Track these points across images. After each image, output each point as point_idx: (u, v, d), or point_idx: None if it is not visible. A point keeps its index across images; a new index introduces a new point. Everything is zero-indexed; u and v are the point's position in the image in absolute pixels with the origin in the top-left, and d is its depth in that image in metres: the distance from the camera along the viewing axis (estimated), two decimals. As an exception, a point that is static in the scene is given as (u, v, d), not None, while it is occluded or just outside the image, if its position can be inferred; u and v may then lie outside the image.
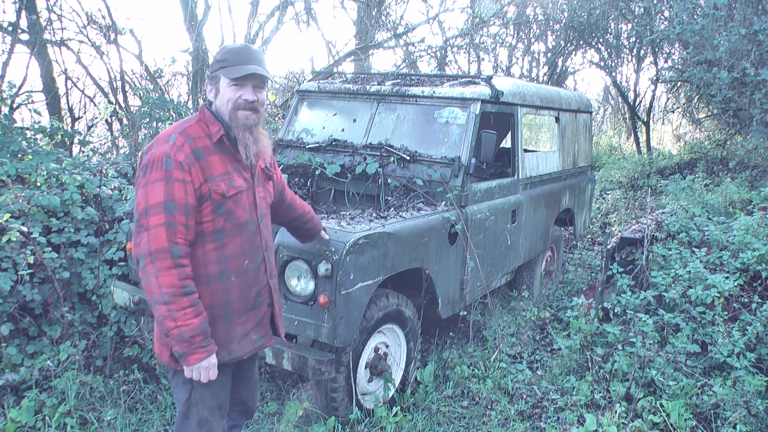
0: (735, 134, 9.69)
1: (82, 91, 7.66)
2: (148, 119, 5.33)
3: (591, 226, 7.91)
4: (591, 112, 6.20)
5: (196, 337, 1.91)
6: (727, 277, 4.02)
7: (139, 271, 1.90)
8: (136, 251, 1.90)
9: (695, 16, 7.46)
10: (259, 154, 2.13)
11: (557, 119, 5.28)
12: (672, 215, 5.43)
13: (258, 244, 2.16)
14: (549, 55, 12.43)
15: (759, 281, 4.14)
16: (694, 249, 4.60)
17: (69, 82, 7.26)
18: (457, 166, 3.78)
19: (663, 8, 9.59)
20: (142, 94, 5.98)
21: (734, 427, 3.09)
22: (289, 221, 2.63)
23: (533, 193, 4.78)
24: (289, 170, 4.20)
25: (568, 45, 11.85)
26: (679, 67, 9.72)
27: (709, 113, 11.13)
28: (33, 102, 6.95)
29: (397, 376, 3.55)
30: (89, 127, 7.67)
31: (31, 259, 3.32)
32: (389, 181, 3.88)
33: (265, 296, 2.21)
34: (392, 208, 3.72)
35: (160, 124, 5.28)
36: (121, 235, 3.79)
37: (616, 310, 4.18)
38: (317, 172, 4.10)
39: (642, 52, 11.54)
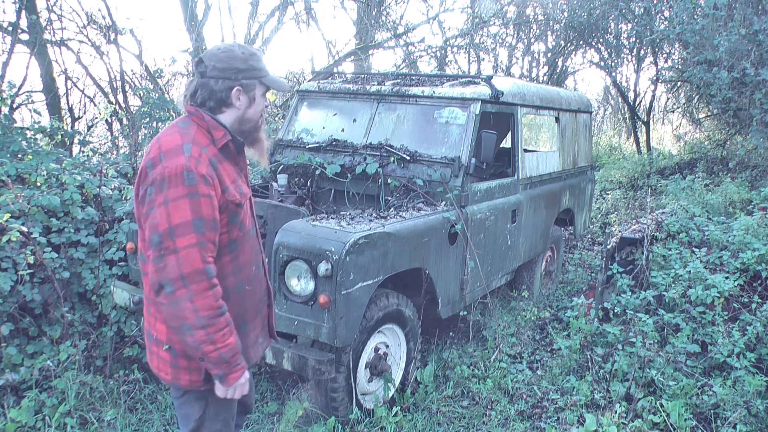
0: (735, 134, 9.69)
1: (82, 91, 7.67)
2: (148, 119, 5.33)
3: (591, 226, 7.91)
4: (591, 112, 6.20)
5: (235, 356, 1.84)
6: (727, 277, 4.02)
7: (163, 296, 1.74)
8: (159, 276, 1.73)
9: (695, 16, 7.46)
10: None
11: (557, 119, 5.28)
12: (672, 215, 5.43)
13: (258, 248, 2.11)
14: (549, 55, 12.43)
15: (759, 281, 4.14)
16: (694, 249, 4.60)
17: (69, 82, 7.26)
18: (457, 166, 3.78)
19: (663, 8, 9.59)
20: (142, 94, 5.98)
21: (734, 427, 3.09)
22: None
23: (533, 193, 4.78)
24: (289, 170, 4.20)
25: (568, 45, 11.85)
26: (679, 67, 9.72)
27: (709, 113, 11.13)
28: (33, 102, 6.96)
29: (397, 376, 3.55)
30: (89, 127, 7.67)
31: (31, 259, 3.32)
32: (389, 181, 3.88)
33: (265, 298, 2.18)
34: (392, 208, 3.72)
35: (160, 124, 5.28)
36: (121, 235, 3.79)
37: (616, 310, 4.18)
38: (317, 172, 4.10)
39: (642, 52, 11.54)
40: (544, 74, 12.54)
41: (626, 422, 3.11)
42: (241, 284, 1.98)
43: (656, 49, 10.86)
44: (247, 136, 2.02)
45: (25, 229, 3.32)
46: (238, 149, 1.99)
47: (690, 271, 4.12)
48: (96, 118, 7.74)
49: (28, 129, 4.50)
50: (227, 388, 1.89)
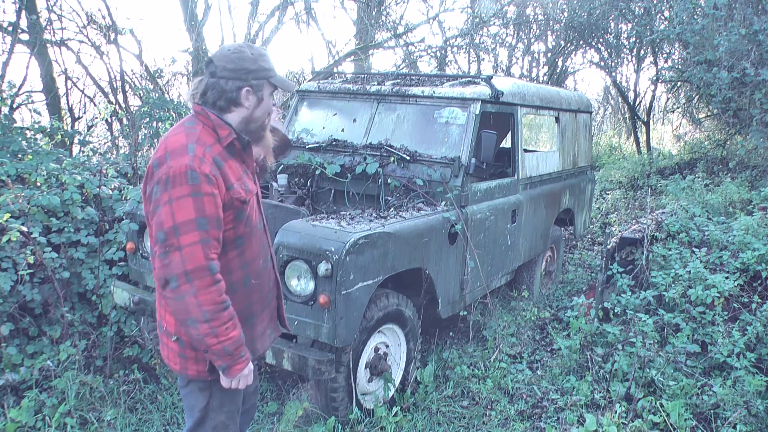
0: (735, 134, 9.68)
1: (82, 91, 7.66)
2: (148, 119, 5.33)
3: (591, 226, 7.91)
4: (591, 112, 6.20)
5: (239, 348, 1.89)
6: (727, 277, 4.01)
7: (169, 291, 1.80)
8: (164, 272, 1.79)
9: (695, 16, 7.46)
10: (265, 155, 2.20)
11: (557, 119, 5.28)
12: (672, 215, 5.43)
13: (265, 242, 2.16)
14: (549, 55, 12.43)
15: (759, 281, 4.14)
16: (694, 249, 4.60)
17: (69, 82, 7.26)
18: (457, 166, 3.78)
19: (663, 8, 9.59)
20: (142, 94, 5.99)
21: (734, 427, 3.09)
22: None
23: (533, 193, 4.78)
24: (289, 170, 4.20)
25: (568, 45, 11.85)
26: (679, 67, 9.71)
27: (709, 113, 11.13)
28: (33, 102, 6.96)
29: (397, 376, 3.55)
30: (89, 127, 7.67)
31: (31, 259, 3.32)
32: (389, 181, 3.88)
33: (274, 291, 2.22)
34: (392, 208, 3.72)
35: (160, 124, 5.28)
36: (121, 235, 3.79)
37: (616, 310, 4.18)
38: (317, 172, 4.10)
39: (642, 52, 11.54)
40: (544, 74, 12.54)
41: (626, 422, 3.11)
42: (248, 278, 2.03)
43: (656, 49, 10.86)
44: (253, 135, 2.06)
45: (25, 229, 3.32)
46: (244, 147, 2.02)
47: (690, 271, 4.12)
48: (96, 118, 7.74)
49: (28, 129, 4.50)
50: (231, 379, 1.94)
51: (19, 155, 4.07)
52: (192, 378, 2.02)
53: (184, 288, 1.78)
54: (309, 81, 5.01)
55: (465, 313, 4.03)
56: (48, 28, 6.68)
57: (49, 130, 4.61)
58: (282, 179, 4.10)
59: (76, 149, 6.10)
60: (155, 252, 1.83)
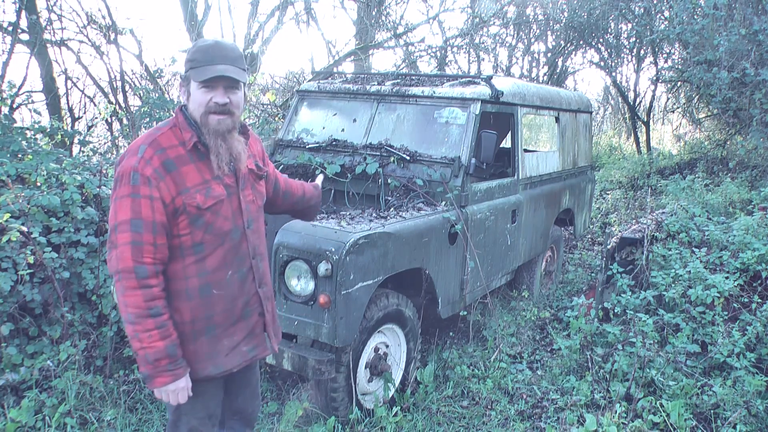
0: (735, 134, 9.69)
1: (82, 91, 7.67)
2: (148, 119, 5.33)
3: (591, 226, 7.91)
4: (591, 112, 6.20)
5: (161, 361, 1.82)
6: (727, 277, 4.01)
7: (113, 285, 1.86)
8: (108, 267, 1.84)
9: (695, 16, 7.46)
10: (232, 162, 1.97)
11: (557, 119, 5.28)
12: (672, 215, 5.43)
13: (244, 252, 2.03)
14: (549, 55, 12.43)
15: (759, 281, 4.14)
16: (694, 249, 4.60)
17: (69, 82, 7.27)
18: (457, 166, 3.78)
19: (663, 8, 9.59)
20: (142, 94, 5.98)
21: (734, 427, 3.09)
22: (290, 207, 2.54)
23: (533, 193, 4.78)
24: (289, 170, 4.20)
25: (568, 45, 11.85)
26: (679, 67, 9.72)
27: (709, 113, 11.13)
28: (33, 102, 6.97)
29: (397, 376, 3.55)
30: (89, 127, 7.67)
31: (31, 259, 3.32)
32: (389, 181, 3.88)
33: (254, 306, 2.09)
34: (392, 208, 3.72)
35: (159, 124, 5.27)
36: (121, 235, 3.79)
37: (616, 310, 4.18)
38: (317, 172, 4.10)
39: (642, 52, 11.54)
40: (544, 74, 12.54)
41: (626, 422, 3.11)
42: (207, 287, 1.95)
43: (656, 49, 10.86)
44: (209, 135, 1.90)
45: (25, 229, 3.32)
46: (209, 150, 1.93)
47: (690, 271, 4.12)
48: (96, 118, 7.75)
49: (28, 129, 4.49)
50: (159, 390, 1.88)
51: (19, 155, 4.07)
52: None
53: (117, 285, 1.82)
54: (309, 81, 5.01)
55: (465, 313, 4.03)
56: (48, 28, 6.69)
57: (49, 130, 4.61)
58: (282, 179, 4.09)
59: (76, 149, 6.10)
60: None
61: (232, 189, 1.99)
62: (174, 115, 1.96)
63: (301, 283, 2.94)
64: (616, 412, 3.15)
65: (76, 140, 5.73)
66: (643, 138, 12.67)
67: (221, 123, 1.90)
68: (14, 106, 6.35)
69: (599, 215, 8.63)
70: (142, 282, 1.80)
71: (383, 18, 10.42)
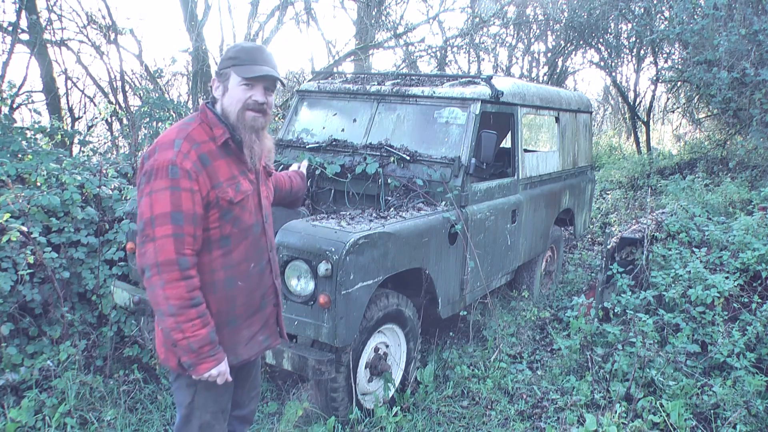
0: (735, 134, 9.69)
1: (82, 91, 7.67)
2: (148, 119, 5.33)
3: (591, 226, 7.91)
4: (591, 112, 6.20)
5: (204, 347, 1.89)
6: (727, 277, 4.01)
7: (144, 280, 1.85)
8: (141, 261, 1.85)
9: (695, 16, 7.46)
10: (262, 157, 2.09)
11: (557, 119, 5.28)
12: (672, 215, 5.43)
13: (263, 245, 2.13)
14: (549, 55, 12.43)
15: (759, 281, 4.14)
16: (694, 249, 4.60)
17: (69, 82, 7.27)
18: (457, 166, 3.78)
19: (663, 8, 9.59)
20: (142, 94, 5.99)
21: (734, 427, 3.09)
22: (278, 201, 2.65)
23: (533, 193, 4.78)
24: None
25: (568, 45, 11.85)
26: (679, 67, 9.71)
27: (709, 113, 11.13)
28: (33, 102, 6.96)
29: (397, 376, 3.55)
30: (89, 127, 7.67)
31: (31, 259, 3.32)
32: (389, 181, 3.88)
33: (270, 297, 2.18)
34: (392, 208, 3.72)
35: (160, 124, 5.28)
36: (121, 235, 3.79)
37: (616, 310, 4.18)
38: (317, 172, 4.10)
39: (642, 52, 11.54)
40: (544, 74, 12.54)
41: (626, 422, 3.11)
42: (232, 279, 2.02)
43: (656, 49, 10.86)
44: (242, 131, 1.99)
45: (25, 229, 3.32)
46: (239, 146, 2.02)
47: (690, 271, 4.12)
48: (96, 118, 7.74)
49: (28, 129, 4.50)
50: (198, 377, 1.94)
51: (19, 155, 4.07)
52: (174, 370, 2.04)
53: (155, 279, 1.82)
54: (309, 81, 5.01)
55: (465, 313, 4.03)
56: (48, 28, 6.68)
57: (49, 130, 4.61)
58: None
59: (76, 149, 6.10)
60: (136, 241, 1.89)
61: (254, 185, 2.09)
62: (200, 111, 2.02)
63: (301, 283, 2.94)
64: (616, 412, 3.15)
65: (76, 140, 5.74)
66: (643, 138, 12.67)
67: (256, 120, 2.00)
68: (14, 106, 6.35)
69: (599, 215, 8.63)
70: (185, 273, 1.84)
71: (383, 18, 10.42)
